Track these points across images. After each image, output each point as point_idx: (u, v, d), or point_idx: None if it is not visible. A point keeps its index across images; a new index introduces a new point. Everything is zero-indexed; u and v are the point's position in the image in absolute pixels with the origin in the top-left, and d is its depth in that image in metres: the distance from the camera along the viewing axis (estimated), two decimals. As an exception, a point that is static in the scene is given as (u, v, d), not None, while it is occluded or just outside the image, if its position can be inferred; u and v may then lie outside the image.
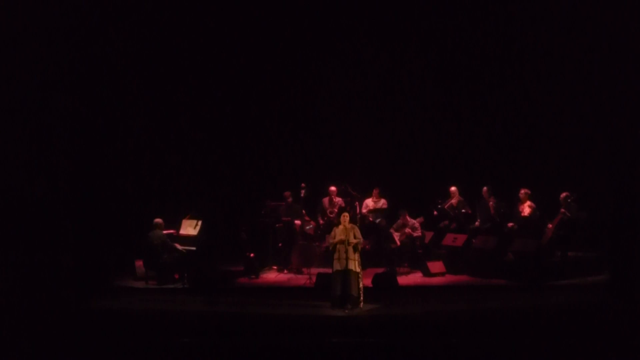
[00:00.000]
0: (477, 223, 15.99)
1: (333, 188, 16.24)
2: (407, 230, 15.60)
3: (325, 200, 16.31)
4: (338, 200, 16.15)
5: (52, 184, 13.38)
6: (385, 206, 16.26)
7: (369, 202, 16.33)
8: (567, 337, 10.84)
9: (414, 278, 15.15)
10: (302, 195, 16.18)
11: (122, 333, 11.47)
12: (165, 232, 14.96)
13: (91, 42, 14.47)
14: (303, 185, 16.27)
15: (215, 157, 17.47)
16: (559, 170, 16.14)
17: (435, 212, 16.37)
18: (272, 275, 15.54)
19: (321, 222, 16.22)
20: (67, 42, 13.79)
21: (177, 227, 15.45)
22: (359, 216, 15.96)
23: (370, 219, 15.97)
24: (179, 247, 14.88)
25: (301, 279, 14.84)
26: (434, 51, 16.73)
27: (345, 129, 17.43)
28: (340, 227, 12.90)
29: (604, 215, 14.47)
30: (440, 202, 16.54)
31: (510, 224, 15.44)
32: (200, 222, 15.38)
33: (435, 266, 15.23)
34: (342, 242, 12.68)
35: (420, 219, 16.03)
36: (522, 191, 15.55)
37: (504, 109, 16.79)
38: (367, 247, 14.88)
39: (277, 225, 15.93)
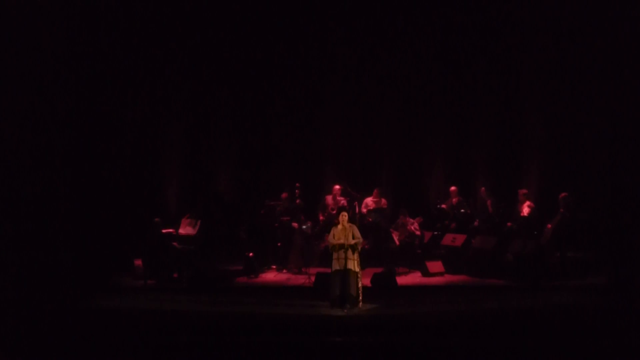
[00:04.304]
0: (476, 223, 16.00)
1: (337, 187, 16.27)
2: (410, 228, 15.62)
3: (329, 197, 16.32)
4: (341, 199, 16.14)
5: (51, 183, 13.37)
6: (385, 206, 16.27)
7: (369, 202, 16.33)
8: (567, 337, 10.85)
9: (413, 278, 15.15)
10: (297, 194, 16.19)
11: (121, 332, 11.45)
12: (164, 231, 14.99)
13: (90, 41, 14.47)
14: (297, 185, 16.28)
15: (215, 156, 17.47)
16: (559, 170, 16.16)
17: (434, 213, 16.41)
18: (271, 275, 15.53)
19: (321, 218, 16.22)
20: (67, 40, 13.80)
21: (177, 226, 15.47)
22: (358, 216, 15.96)
23: (370, 218, 15.96)
24: (177, 246, 14.89)
25: (300, 279, 14.85)
26: (434, 51, 16.72)
27: (345, 129, 17.44)
28: (339, 226, 12.87)
29: (604, 215, 14.49)
30: (439, 202, 16.59)
31: (509, 224, 15.45)
32: (199, 222, 15.40)
33: (434, 266, 15.24)
34: (342, 246, 12.66)
35: (419, 219, 16.05)
36: (521, 192, 15.60)
37: (504, 108, 16.80)
38: (366, 246, 14.88)
39: (275, 225, 15.92)
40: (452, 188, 16.43)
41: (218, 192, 17.10)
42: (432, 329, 11.59)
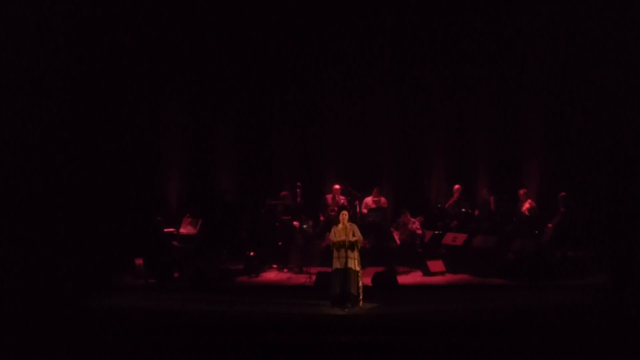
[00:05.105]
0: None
1: (337, 186, 16.33)
2: (411, 227, 15.63)
3: (329, 197, 16.36)
4: (341, 198, 16.16)
5: (51, 183, 13.37)
6: (385, 205, 16.28)
7: (369, 201, 16.35)
8: (567, 337, 10.84)
9: (414, 277, 15.16)
10: (298, 194, 16.20)
11: (121, 332, 11.45)
12: (165, 230, 14.99)
13: (91, 42, 14.46)
14: (299, 184, 16.31)
15: (216, 155, 17.48)
16: (559, 169, 16.16)
17: (435, 212, 16.44)
18: (272, 274, 15.54)
19: (322, 218, 16.24)
20: (69, 41, 13.79)
21: (178, 225, 15.48)
22: (359, 215, 15.97)
23: (371, 218, 15.96)
24: (178, 245, 14.90)
25: (301, 278, 14.84)
26: (435, 52, 16.72)
27: (345, 128, 17.46)
28: (340, 225, 12.85)
29: (604, 214, 14.48)
30: (440, 201, 16.62)
31: (510, 223, 15.46)
32: (200, 221, 15.42)
33: (435, 265, 15.23)
34: (342, 243, 12.64)
35: (420, 218, 16.05)
36: (522, 191, 15.65)
37: (505, 108, 16.81)
38: (367, 246, 14.87)
39: (276, 224, 15.93)
40: (456, 186, 16.46)
41: (219, 192, 17.12)
42: (433, 328, 11.58)
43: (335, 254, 12.73)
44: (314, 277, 14.24)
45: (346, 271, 12.57)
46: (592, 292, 13.33)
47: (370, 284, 13.78)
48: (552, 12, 15.39)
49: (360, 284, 12.73)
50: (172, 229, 15.32)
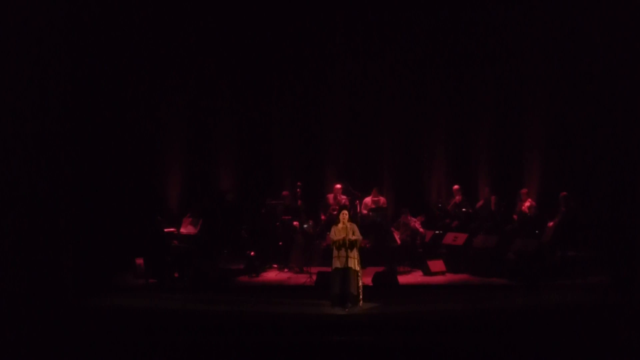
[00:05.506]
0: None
1: (338, 186, 16.32)
2: (413, 224, 15.62)
3: (330, 196, 16.36)
4: (342, 198, 16.16)
5: (51, 182, 13.36)
6: (384, 205, 16.28)
7: (368, 201, 16.35)
8: (567, 337, 10.84)
9: (414, 277, 15.16)
10: (298, 193, 16.21)
11: (122, 332, 11.46)
12: (165, 230, 14.99)
13: (90, 41, 14.46)
14: (299, 184, 16.32)
15: (216, 155, 17.48)
16: (560, 169, 16.16)
17: (437, 213, 16.45)
18: (272, 274, 15.53)
19: (323, 217, 16.23)
20: (68, 40, 13.78)
21: (178, 225, 15.47)
22: (359, 215, 15.97)
23: (371, 217, 15.94)
24: (178, 245, 14.90)
25: (301, 278, 14.83)
26: (435, 51, 16.71)
27: (346, 128, 17.46)
28: (340, 225, 12.86)
29: (605, 213, 14.47)
30: (440, 201, 16.62)
31: (515, 216, 15.46)
32: (200, 221, 15.41)
33: (436, 265, 15.24)
34: (342, 241, 12.63)
35: (421, 218, 16.05)
36: (522, 191, 15.65)
37: (506, 107, 16.81)
38: (367, 246, 14.87)
39: (276, 224, 15.93)
40: (455, 187, 16.46)
41: (220, 192, 17.12)
42: (433, 328, 11.60)
43: (335, 253, 12.73)
44: (314, 277, 14.25)
45: (346, 271, 12.57)
46: (592, 292, 13.32)
47: (371, 284, 13.78)
48: (553, 12, 15.38)
49: (361, 284, 12.74)
50: (172, 229, 15.32)
